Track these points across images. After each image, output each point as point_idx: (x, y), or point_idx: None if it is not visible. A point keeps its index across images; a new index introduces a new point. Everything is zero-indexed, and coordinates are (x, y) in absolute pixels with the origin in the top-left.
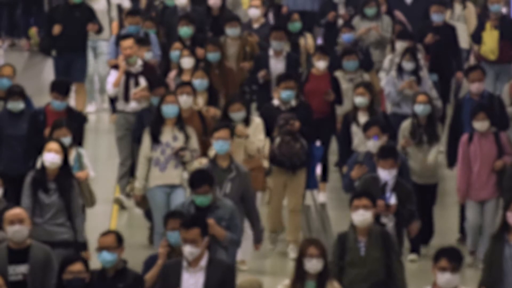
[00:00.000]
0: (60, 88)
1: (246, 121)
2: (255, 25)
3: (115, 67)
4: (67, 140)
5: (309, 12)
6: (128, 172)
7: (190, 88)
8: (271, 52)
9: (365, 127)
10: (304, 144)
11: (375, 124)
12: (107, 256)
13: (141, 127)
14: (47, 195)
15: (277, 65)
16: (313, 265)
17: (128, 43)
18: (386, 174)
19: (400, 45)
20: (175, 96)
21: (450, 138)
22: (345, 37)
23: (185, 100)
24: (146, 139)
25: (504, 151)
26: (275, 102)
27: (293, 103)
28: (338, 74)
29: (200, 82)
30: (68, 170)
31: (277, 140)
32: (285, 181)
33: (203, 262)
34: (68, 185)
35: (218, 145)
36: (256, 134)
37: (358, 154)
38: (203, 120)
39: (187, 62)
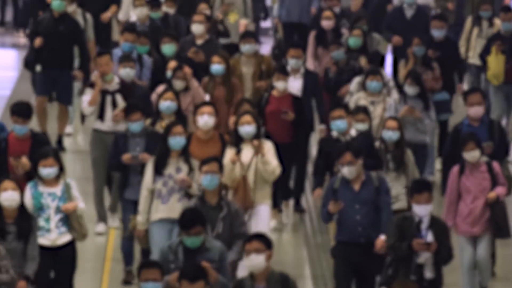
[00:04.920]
0: (19, 111)
1: (257, 138)
2: (199, 41)
3: (91, 85)
4: (54, 171)
5: (305, 25)
6: (103, 199)
7: (212, 108)
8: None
9: (338, 155)
10: None
11: (347, 150)
12: None
13: (117, 154)
14: (5, 240)
15: (294, 84)
16: None
17: (104, 60)
18: (421, 210)
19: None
20: (182, 127)
21: (445, 166)
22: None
23: (206, 121)
24: (149, 171)
25: (497, 182)
26: (334, 133)
27: (353, 132)
28: (359, 95)
29: (169, 104)
30: (26, 209)
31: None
32: None
33: None
34: (28, 227)
35: (206, 180)
36: (268, 161)
37: (334, 180)
38: (224, 143)
39: (179, 84)
